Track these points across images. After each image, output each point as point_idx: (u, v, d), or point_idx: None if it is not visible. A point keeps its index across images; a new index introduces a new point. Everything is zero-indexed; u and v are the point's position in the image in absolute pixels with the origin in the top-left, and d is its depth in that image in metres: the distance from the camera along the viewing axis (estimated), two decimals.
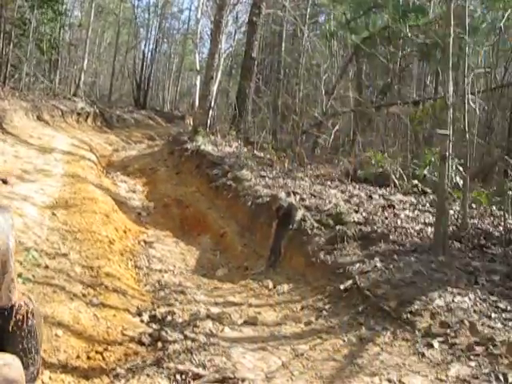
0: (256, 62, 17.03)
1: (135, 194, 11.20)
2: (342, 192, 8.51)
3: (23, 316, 1.90)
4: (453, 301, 4.66)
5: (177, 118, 30.25)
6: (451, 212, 6.58)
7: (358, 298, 5.12)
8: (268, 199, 7.99)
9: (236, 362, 3.89)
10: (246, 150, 12.30)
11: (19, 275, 4.41)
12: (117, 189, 11.08)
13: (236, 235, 8.03)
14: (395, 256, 5.75)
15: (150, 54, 35.92)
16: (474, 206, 7.65)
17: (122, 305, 5.03)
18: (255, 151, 12.04)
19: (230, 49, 20.27)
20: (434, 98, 11.69)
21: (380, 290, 5.07)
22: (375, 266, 5.59)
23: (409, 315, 4.58)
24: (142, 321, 4.81)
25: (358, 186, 9.11)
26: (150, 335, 4.40)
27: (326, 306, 5.19)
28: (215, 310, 5.06)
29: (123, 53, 36.43)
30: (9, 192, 7.24)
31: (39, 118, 16.26)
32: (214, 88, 15.23)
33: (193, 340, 4.24)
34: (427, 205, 7.84)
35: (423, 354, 4.02)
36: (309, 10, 18.31)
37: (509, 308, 4.53)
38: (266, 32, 19.79)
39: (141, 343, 4.28)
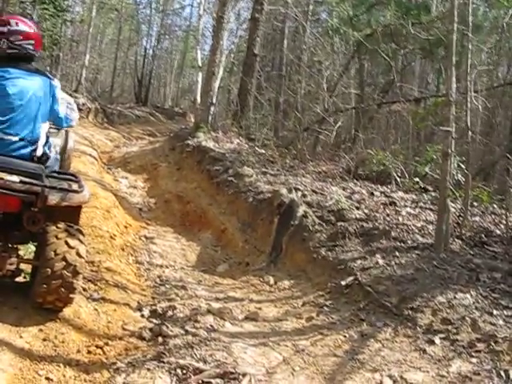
0: (258, 59, 16.98)
1: (136, 189, 11.20)
2: (344, 189, 8.49)
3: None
4: (454, 297, 4.65)
5: (178, 114, 30.22)
6: (453, 209, 6.56)
7: (360, 295, 5.12)
8: (269, 195, 7.98)
9: (237, 357, 3.88)
10: (247, 146, 12.27)
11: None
12: (118, 184, 11.07)
13: (237, 231, 8.01)
14: (396, 253, 5.75)
15: (151, 50, 35.91)
16: (475, 203, 7.65)
17: (123, 299, 5.01)
18: (257, 148, 12.02)
19: (232, 45, 20.23)
20: (436, 96, 11.66)
21: (381, 287, 5.08)
22: (377, 263, 5.59)
23: (410, 311, 4.58)
24: (142, 315, 4.80)
25: (359, 183, 9.10)
26: (151, 330, 4.39)
27: (327, 302, 5.19)
28: (216, 305, 5.05)
29: (125, 49, 36.39)
30: None
31: None
32: (216, 84, 15.22)
33: (194, 335, 4.23)
34: (429, 202, 7.83)
35: (424, 351, 4.02)
36: (311, 6, 18.30)
37: (510, 305, 4.53)
38: (267, 29, 19.71)
39: (141, 338, 4.26)
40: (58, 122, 4.38)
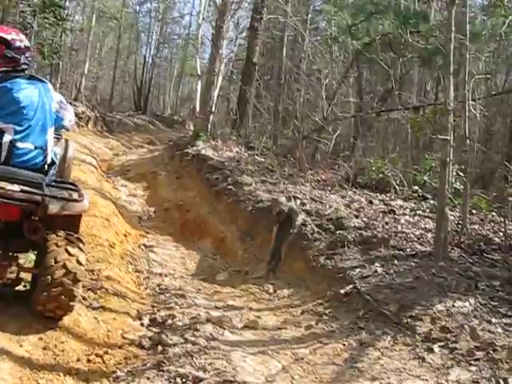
0: (257, 67, 17.05)
1: (136, 198, 11.20)
2: (343, 197, 8.52)
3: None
4: (453, 306, 4.66)
5: (177, 122, 30.26)
6: (451, 218, 6.58)
7: (359, 303, 5.12)
8: (268, 204, 7.99)
9: (236, 366, 3.89)
10: (246, 154, 12.30)
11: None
12: (117, 193, 11.07)
13: (236, 240, 8.02)
14: (395, 261, 5.76)
15: (150, 58, 36.04)
16: (474, 211, 7.66)
17: (122, 308, 5.02)
18: (256, 156, 12.04)
19: (231, 54, 20.26)
20: (434, 104, 11.71)
21: (380, 295, 5.08)
22: (375, 271, 5.60)
23: (409, 320, 4.58)
24: (142, 324, 4.81)
25: (358, 192, 9.12)
26: (151, 338, 4.39)
27: (327, 311, 5.19)
28: (215, 313, 5.06)
29: (124, 57, 36.55)
30: None
31: None
32: (215, 93, 15.24)
33: (193, 343, 4.24)
34: (427, 210, 7.85)
35: (423, 359, 4.02)
36: (310, 15, 18.39)
37: (509, 313, 4.53)
38: (267, 37, 19.79)
39: (141, 346, 4.27)
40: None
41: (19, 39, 4.08)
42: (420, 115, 11.23)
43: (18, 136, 3.93)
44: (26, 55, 4.12)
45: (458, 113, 8.05)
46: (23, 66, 4.10)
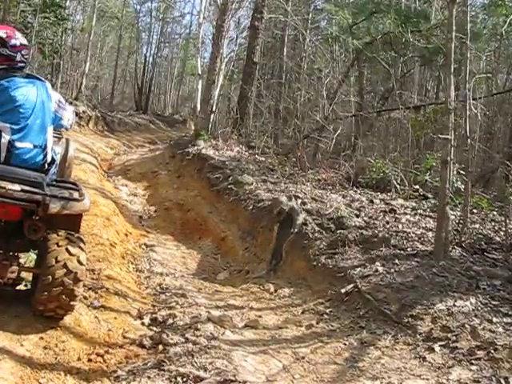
0: (258, 67, 17.06)
1: (136, 197, 11.20)
2: (343, 196, 8.51)
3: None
4: (454, 305, 4.66)
5: (178, 122, 30.28)
6: (452, 217, 6.58)
7: (359, 302, 5.12)
8: (269, 203, 7.99)
9: (237, 365, 3.88)
10: (247, 154, 12.30)
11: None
12: (118, 192, 11.08)
13: (237, 239, 8.02)
14: (396, 260, 5.75)
15: (151, 58, 36.02)
16: (475, 210, 7.66)
17: (123, 307, 5.02)
18: (257, 155, 12.05)
19: (232, 53, 20.25)
20: (435, 103, 11.70)
21: (381, 294, 5.08)
22: (376, 270, 5.59)
23: (410, 319, 4.58)
24: (143, 323, 4.81)
25: (359, 191, 9.11)
26: (151, 338, 4.39)
27: (327, 310, 5.19)
28: (216, 313, 5.05)
29: (125, 57, 36.55)
30: None
31: None
32: (216, 92, 15.25)
33: (194, 343, 4.23)
34: (428, 209, 7.84)
35: (424, 358, 4.02)
36: (310, 14, 18.39)
37: (510, 313, 4.53)
38: (267, 36, 19.82)
39: (142, 346, 4.26)
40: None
41: (15, 37, 4.04)
42: (421, 114, 11.23)
43: (16, 135, 3.91)
44: (23, 53, 4.07)
45: (459, 112, 8.05)
46: (20, 64, 4.06)
